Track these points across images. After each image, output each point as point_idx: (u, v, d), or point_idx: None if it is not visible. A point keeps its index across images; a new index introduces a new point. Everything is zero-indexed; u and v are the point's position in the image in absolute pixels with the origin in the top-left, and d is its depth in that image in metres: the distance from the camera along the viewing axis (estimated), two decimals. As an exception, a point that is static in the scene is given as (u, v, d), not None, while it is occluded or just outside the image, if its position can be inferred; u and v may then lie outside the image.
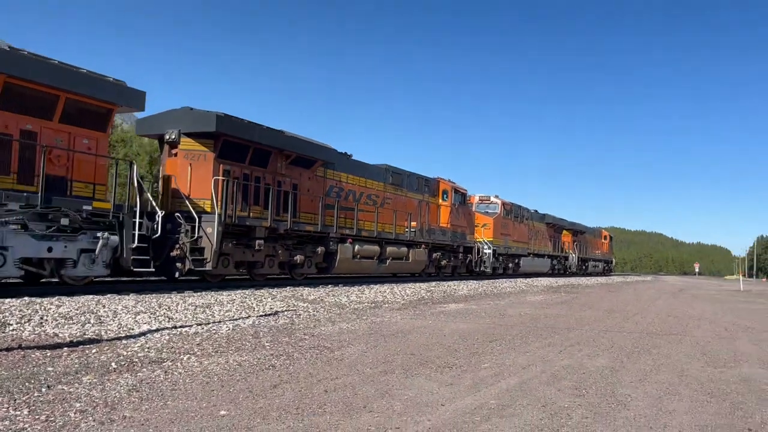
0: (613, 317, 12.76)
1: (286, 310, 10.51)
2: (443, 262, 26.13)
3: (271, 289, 14.27)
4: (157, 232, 12.62)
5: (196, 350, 6.44)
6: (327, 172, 18.49)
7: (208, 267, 13.89)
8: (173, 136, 14.26)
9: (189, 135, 14.37)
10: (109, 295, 10.65)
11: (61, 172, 11.20)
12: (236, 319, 8.99)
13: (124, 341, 6.72)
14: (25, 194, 10.31)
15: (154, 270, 12.89)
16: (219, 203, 14.13)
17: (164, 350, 6.33)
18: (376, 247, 20.57)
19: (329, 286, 16.58)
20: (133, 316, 8.39)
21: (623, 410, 4.73)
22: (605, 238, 62.06)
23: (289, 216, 16.32)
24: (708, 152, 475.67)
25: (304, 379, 5.29)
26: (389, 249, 21.29)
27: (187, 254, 13.51)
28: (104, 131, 12.32)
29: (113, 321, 7.97)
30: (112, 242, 11.37)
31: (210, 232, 13.81)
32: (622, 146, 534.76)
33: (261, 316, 9.58)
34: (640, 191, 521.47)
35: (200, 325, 8.25)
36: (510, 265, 34.08)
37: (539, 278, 34.02)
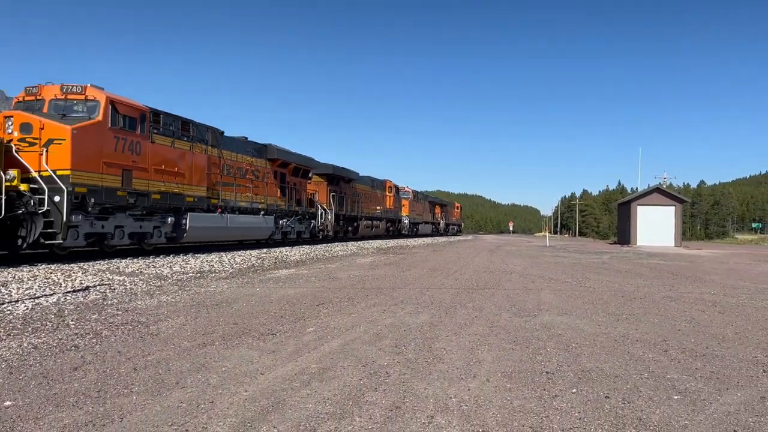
0: (435, 275, 13.44)
1: (99, 285, 9.69)
2: (390, 229, 46.18)
3: (82, 263, 13.08)
4: (323, 219, 29.74)
5: (-18, 335, 5.66)
6: (354, 184, 36.12)
7: (330, 233, 30.92)
8: (311, 175, 29.24)
9: (316, 174, 30.54)
10: None
11: (295, 196, 26.65)
12: (38, 297, 8.09)
13: None
14: (294, 209, 26.45)
15: (332, 234, 31.60)
16: (331, 205, 31.21)
17: (-59, 338, 5.49)
18: (371, 222, 39.38)
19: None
20: None
21: (438, 364, 4.94)
22: (457, 208, 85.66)
23: (348, 209, 34.43)
24: (517, 119, 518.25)
25: (112, 359, 4.86)
26: (374, 222, 40.39)
27: (324, 228, 29.99)
28: (308, 180, 28.73)
29: None
30: (314, 224, 28.61)
31: (330, 218, 30.74)
32: (443, 113, 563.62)
33: (69, 292, 8.71)
34: (461, 155, 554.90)
35: (-9, 306, 7.29)
36: (415, 230, 53.48)
37: (371, 241, 35.97)
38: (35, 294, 8.40)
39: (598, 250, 34.88)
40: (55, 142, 13.34)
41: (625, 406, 3.90)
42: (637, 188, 64.79)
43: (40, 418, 3.43)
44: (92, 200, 13.96)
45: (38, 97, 14.36)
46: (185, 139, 17.85)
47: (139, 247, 16.82)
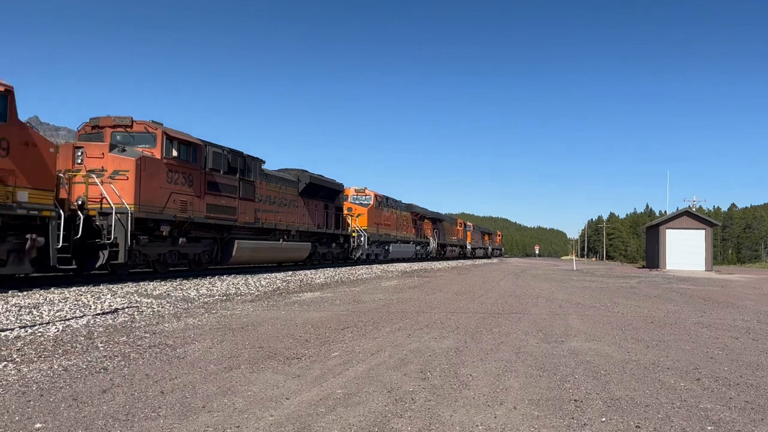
0: (460, 299, 13.34)
1: (127, 307, 9.81)
2: (460, 253, 63.04)
3: (111, 285, 13.29)
4: (431, 246, 49.24)
5: (15, 356, 5.77)
6: (442, 222, 53.40)
7: (434, 254, 50.64)
8: (424, 218, 47.51)
9: (426, 217, 47.89)
10: None
11: (420, 232, 46.58)
12: (68, 319, 8.22)
13: (-76, 351, 5.86)
14: (421, 240, 46.59)
15: (435, 255, 51.83)
16: (435, 237, 50.37)
17: (-25, 359, 5.60)
18: (451, 247, 57.74)
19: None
20: (-60, 322, 7.38)
21: (464, 390, 4.89)
22: (499, 235, 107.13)
23: (441, 239, 52.76)
24: (543, 141, 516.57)
25: (140, 381, 4.91)
26: (453, 248, 58.71)
27: (432, 251, 50.42)
28: (423, 221, 46.78)
29: None
30: (428, 249, 48.46)
31: (435, 245, 50.14)
32: (468, 141, 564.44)
33: (98, 314, 8.84)
34: (486, 177, 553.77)
35: (24, 327, 7.43)
36: (474, 253, 72.40)
37: (396, 263, 36.02)
38: (66, 316, 8.54)
39: (627, 274, 34.33)
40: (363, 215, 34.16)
41: (656, 437, 3.80)
42: (665, 211, 63.84)
43: (69, 441, 3.47)
44: (369, 239, 33.17)
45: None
46: (390, 207, 38.12)
47: (367, 259, 34.16)
